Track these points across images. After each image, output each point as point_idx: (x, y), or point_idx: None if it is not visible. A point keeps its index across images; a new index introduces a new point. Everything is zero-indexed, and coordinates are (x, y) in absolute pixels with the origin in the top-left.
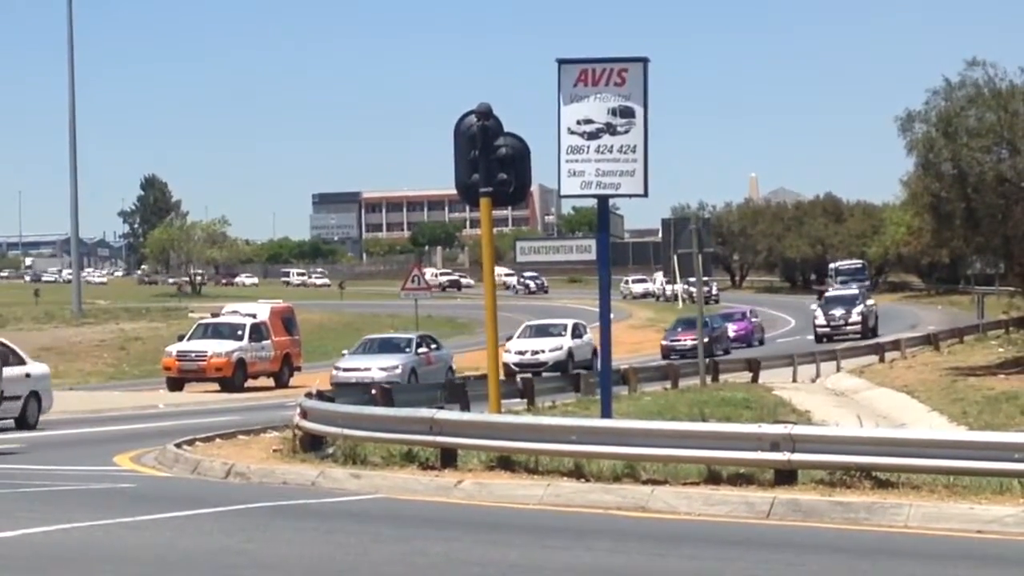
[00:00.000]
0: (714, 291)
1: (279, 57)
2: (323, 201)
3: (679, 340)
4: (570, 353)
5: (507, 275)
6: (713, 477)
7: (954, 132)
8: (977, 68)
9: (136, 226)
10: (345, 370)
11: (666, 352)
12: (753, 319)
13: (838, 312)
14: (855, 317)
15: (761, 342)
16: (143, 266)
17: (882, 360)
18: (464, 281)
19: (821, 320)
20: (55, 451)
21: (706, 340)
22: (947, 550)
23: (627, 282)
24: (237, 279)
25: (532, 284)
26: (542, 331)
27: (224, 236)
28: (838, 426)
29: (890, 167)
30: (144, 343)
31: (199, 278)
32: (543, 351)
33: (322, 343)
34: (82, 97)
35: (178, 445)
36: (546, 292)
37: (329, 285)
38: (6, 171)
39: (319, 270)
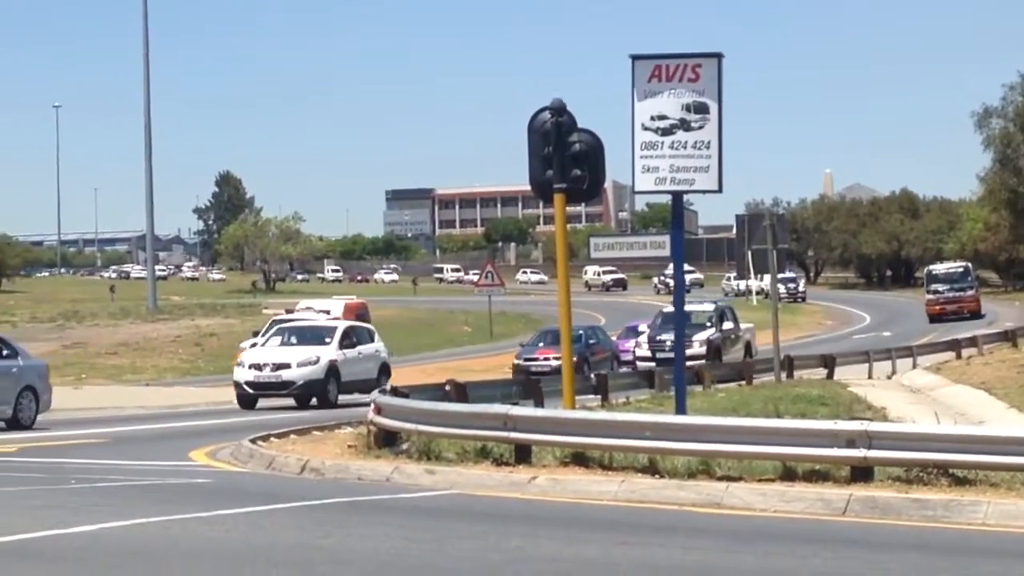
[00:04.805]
0: (800, 287)
1: (353, 54)
2: (396, 197)
3: (536, 359)
4: (331, 369)
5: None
6: (788, 474)
7: None
8: None
9: (211, 223)
10: None
11: (520, 371)
12: None
13: (671, 339)
14: (696, 348)
15: None
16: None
17: (959, 357)
18: (614, 278)
19: (644, 350)
20: (132, 446)
21: (574, 359)
22: None
23: (729, 279)
24: (376, 275)
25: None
26: (302, 336)
27: (298, 232)
28: (915, 423)
29: (967, 163)
30: (219, 339)
31: (334, 274)
32: (289, 365)
33: (395, 339)
34: (157, 94)
35: (253, 441)
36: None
37: (545, 282)
38: (83, 168)
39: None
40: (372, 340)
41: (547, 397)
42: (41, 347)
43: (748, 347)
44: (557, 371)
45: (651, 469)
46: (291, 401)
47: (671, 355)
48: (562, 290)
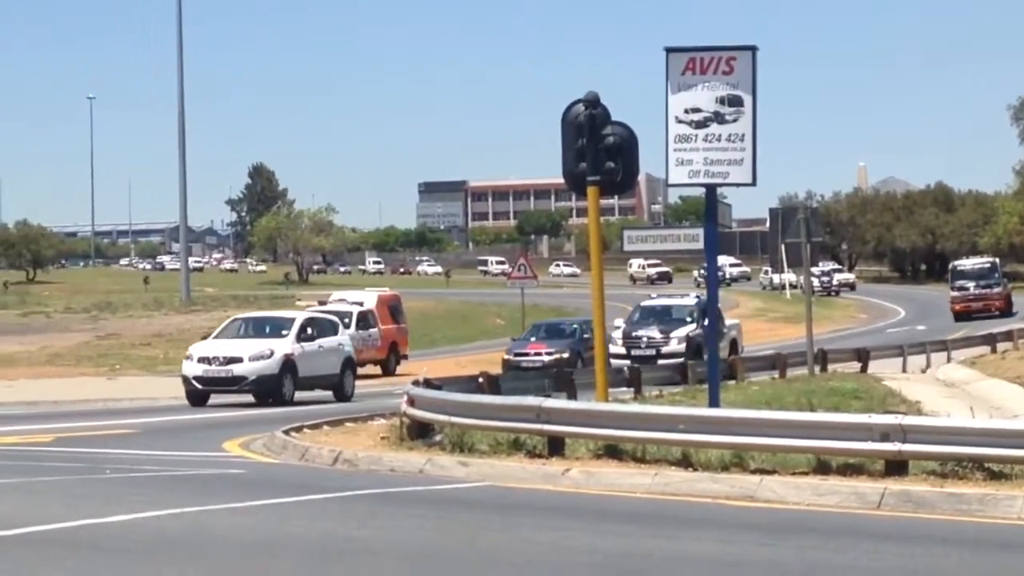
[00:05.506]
0: (834, 281)
1: (387, 46)
2: (429, 190)
3: (527, 354)
4: (286, 364)
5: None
6: (822, 467)
7: None
8: None
9: (243, 214)
10: None
11: (511, 366)
12: None
13: (648, 335)
14: (674, 345)
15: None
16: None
17: (994, 351)
18: (659, 271)
19: (618, 347)
20: (165, 437)
21: (565, 355)
22: None
23: (766, 272)
24: (419, 267)
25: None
26: (259, 328)
27: (330, 224)
28: (949, 417)
29: (1002, 156)
30: None
31: (376, 266)
32: (241, 359)
33: (428, 331)
34: (191, 86)
35: (286, 432)
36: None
37: (578, 275)
38: (116, 160)
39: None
40: (335, 333)
41: (580, 390)
42: (75, 338)
43: (734, 345)
44: (548, 367)
45: (684, 462)
46: (246, 398)
47: (648, 352)
48: (595, 283)
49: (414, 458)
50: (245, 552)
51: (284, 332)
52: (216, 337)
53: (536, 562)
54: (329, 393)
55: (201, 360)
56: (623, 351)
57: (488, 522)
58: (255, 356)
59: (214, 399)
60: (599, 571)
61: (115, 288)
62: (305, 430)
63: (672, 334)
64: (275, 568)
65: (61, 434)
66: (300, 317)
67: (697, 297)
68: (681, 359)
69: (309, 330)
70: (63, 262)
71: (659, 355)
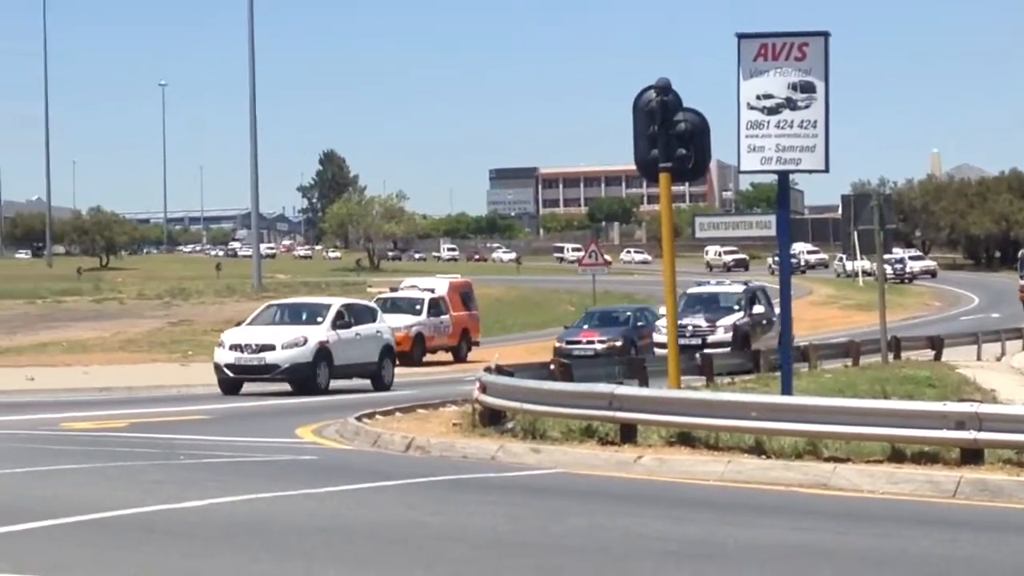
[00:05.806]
0: (909, 269)
1: (458, 32)
2: (500, 176)
3: (579, 342)
4: (320, 352)
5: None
6: (897, 455)
7: None
8: None
9: (315, 201)
10: None
11: (562, 355)
12: None
13: (693, 323)
14: (721, 334)
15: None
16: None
17: None
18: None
19: (662, 335)
20: (238, 423)
21: (618, 343)
22: None
23: (840, 259)
24: (494, 255)
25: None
26: (295, 314)
27: (401, 211)
28: None
29: None
30: None
31: (450, 253)
32: (273, 347)
33: (500, 318)
34: (262, 73)
35: (359, 418)
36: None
37: (649, 261)
38: (189, 146)
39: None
40: (373, 320)
41: (652, 377)
42: (148, 324)
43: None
44: (600, 355)
45: (757, 450)
46: (279, 385)
47: (693, 341)
48: (667, 270)
49: (486, 445)
50: (321, 537)
51: (319, 319)
52: (251, 323)
53: (609, 549)
54: (367, 382)
55: (233, 347)
56: (666, 340)
57: (561, 509)
58: (288, 344)
59: (248, 387)
60: (673, 558)
61: (187, 274)
62: (377, 416)
63: (719, 323)
64: (349, 554)
65: (135, 420)
66: (336, 303)
67: (744, 284)
68: (728, 348)
69: (346, 317)
70: (134, 248)
71: (705, 344)
